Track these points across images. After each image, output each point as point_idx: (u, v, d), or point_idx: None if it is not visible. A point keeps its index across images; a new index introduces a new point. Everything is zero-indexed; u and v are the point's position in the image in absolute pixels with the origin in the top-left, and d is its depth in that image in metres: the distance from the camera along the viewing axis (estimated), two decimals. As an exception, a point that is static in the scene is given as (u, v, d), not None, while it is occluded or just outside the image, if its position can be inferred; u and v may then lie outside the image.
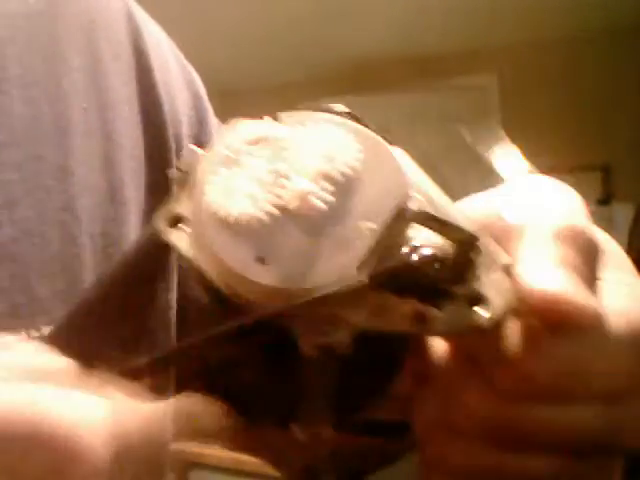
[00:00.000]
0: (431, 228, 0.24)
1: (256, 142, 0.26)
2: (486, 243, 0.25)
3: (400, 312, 0.23)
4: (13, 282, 0.34)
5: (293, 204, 0.24)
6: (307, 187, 0.24)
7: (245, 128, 0.26)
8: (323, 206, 0.24)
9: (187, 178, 0.26)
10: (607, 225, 3.68)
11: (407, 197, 0.24)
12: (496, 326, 0.24)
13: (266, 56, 3.36)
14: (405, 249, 0.23)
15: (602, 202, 3.60)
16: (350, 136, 0.26)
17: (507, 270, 0.25)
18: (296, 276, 0.23)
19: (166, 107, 0.45)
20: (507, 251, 0.26)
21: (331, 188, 0.24)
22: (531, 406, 0.24)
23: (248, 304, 0.23)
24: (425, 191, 0.25)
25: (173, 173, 0.26)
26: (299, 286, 0.23)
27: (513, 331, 0.25)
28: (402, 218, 0.24)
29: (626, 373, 0.25)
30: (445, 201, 0.26)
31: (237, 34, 3.10)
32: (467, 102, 3.56)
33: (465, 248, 0.23)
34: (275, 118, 0.26)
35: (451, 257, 0.23)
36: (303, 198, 0.24)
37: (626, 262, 0.28)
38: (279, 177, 0.25)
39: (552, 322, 0.24)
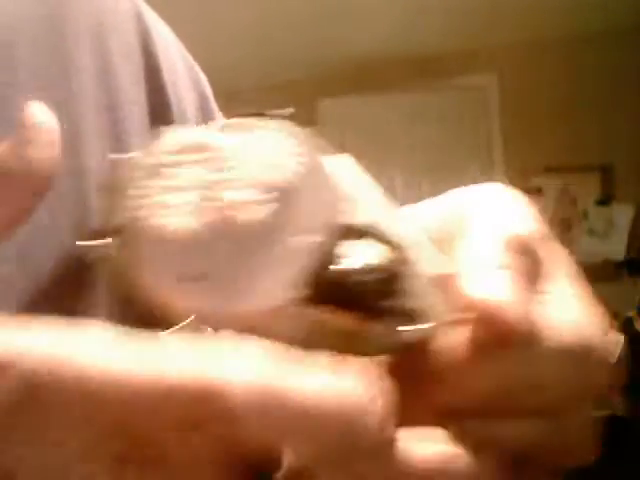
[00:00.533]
0: (365, 239, 0.24)
1: (188, 150, 0.24)
2: (422, 253, 0.24)
3: (334, 329, 0.23)
4: (28, 282, 0.34)
5: (230, 214, 0.23)
6: (245, 197, 0.23)
7: (177, 136, 0.25)
8: (262, 216, 0.23)
9: (115, 190, 0.25)
10: (607, 225, 3.69)
11: (344, 209, 0.24)
12: (427, 341, 0.24)
13: (266, 56, 3.37)
14: (336, 263, 0.23)
15: (602, 202, 3.60)
16: (290, 143, 0.24)
17: (441, 281, 0.25)
18: (235, 293, 0.22)
19: (174, 108, 0.45)
20: (450, 256, 0.25)
21: (270, 198, 0.23)
22: (467, 421, 0.24)
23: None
24: (363, 201, 0.25)
25: (102, 186, 0.25)
26: (238, 304, 0.22)
27: (445, 345, 0.24)
28: (339, 230, 0.23)
29: (566, 386, 0.25)
30: (385, 211, 0.26)
31: (237, 34, 3.10)
32: (467, 102, 3.56)
33: (396, 261, 0.23)
34: (209, 126, 0.25)
35: (380, 270, 0.23)
36: (241, 208, 0.23)
37: (576, 273, 0.28)
38: (215, 187, 0.23)
39: (487, 332, 0.23)
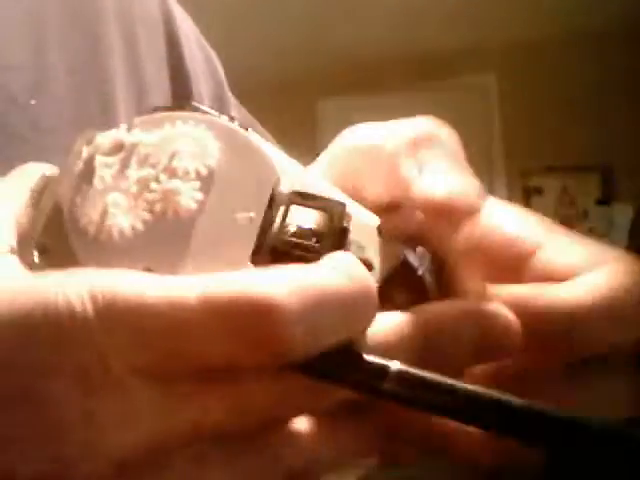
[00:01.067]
0: (303, 205, 0.24)
1: (112, 151, 0.25)
2: (355, 207, 0.26)
3: None
4: None
5: (161, 206, 0.23)
6: (172, 187, 0.24)
7: (99, 138, 0.25)
8: (192, 204, 0.23)
9: (44, 201, 0.25)
10: (607, 225, 3.69)
11: (277, 181, 0.25)
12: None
13: (266, 56, 3.37)
14: (283, 230, 0.24)
15: (602, 202, 3.60)
16: (208, 132, 0.25)
17: (379, 230, 0.26)
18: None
19: (194, 94, 0.46)
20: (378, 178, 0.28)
21: (197, 185, 0.24)
22: None
23: None
24: (289, 170, 0.26)
25: (31, 197, 0.25)
26: None
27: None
28: (276, 202, 0.24)
29: None
30: (308, 176, 0.27)
31: (237, 34, 3.10)
32: (467, 102, 3.56)
33: (338, 217, 0.24)
34: (129, 125, 0.25)
35: (327, 228, 0.24)
36: (170, 199, 0.23)
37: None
38: (144, 183, 0.24)
39: (451, 219, 0.26)
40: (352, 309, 0.21)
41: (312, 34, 3.25)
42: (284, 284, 0.21)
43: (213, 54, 0.51)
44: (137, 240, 0.23)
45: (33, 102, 0.36)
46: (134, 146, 0.25)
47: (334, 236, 0.24)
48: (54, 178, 0.25)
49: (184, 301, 0.20)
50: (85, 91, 0.39)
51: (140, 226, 0.23)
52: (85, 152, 0.25)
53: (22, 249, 0.24)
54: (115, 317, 0.20)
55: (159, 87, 0.44)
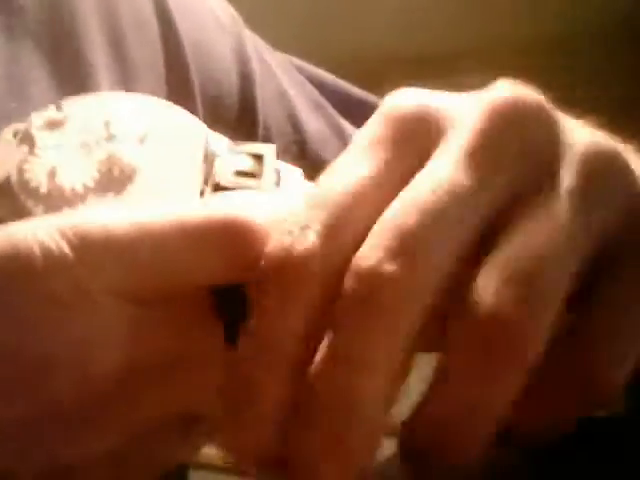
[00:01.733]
0: (237, 152, 0.27)
1: (49, 125, 0.26)
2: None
3: None
4: None
5: (106, 166, 0.26)
6: (115, 148, 0.26)
7: (31, 118, 0.27)
8: (135, 162, 0.26)
9: None
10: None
11: (208, 137, 0.27)
12: None
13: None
14: (224, 175, 0.26)
15: (602, 202, 3.59)
16: (136, 99, 0.28)
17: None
18: None
19: (192, 69, 0.45)
20: None
21: (137, 145, 0.26)
22: None
23: None
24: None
25: None
26: None
27: None
28: (211, 155, 0.27)
29: None
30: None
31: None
32: (467, 102, 3.55)
33: (270, 157, 0.26)
34: (56, 105, 0.27)
35: (262, 169, 0.26)
36: (114, 158, 0.26)
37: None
38: (86, 147, 0.26)
39: None
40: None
41: (312, 34, 3.25)
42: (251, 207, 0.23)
43: (247, 39, 0.49)
44: (88, 194, 0.25)
45: (14, 105, 0.37)
46: (68, 119, 0.27)
47: (270, 174, 0.26)
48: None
49: (155, 223, 0.22)
50: (67, 90, 0.39)
51: (90, 183, 0.25)
52: (18, 132, 0.27)
53: None
54: (89, 246, 0.22)
55: (151, 71, 0.44)
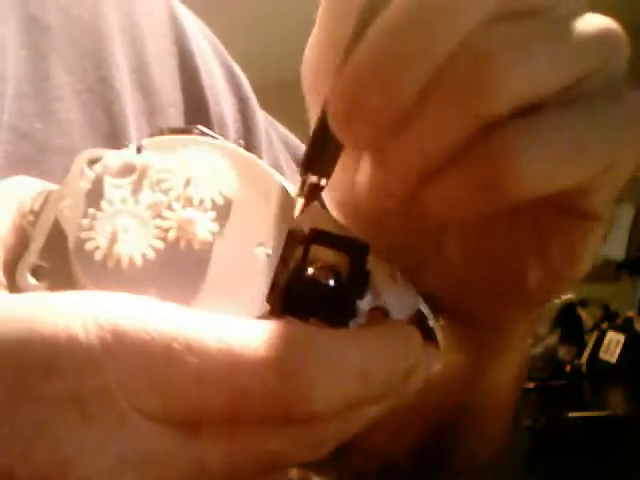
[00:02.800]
0: (324, 244, 0.23)
1: (121, 173, 0.23)
2: (378, 250, 0.24)
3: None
4: None
5: (174, 235, 0.22)
6: (188, 216, 0.22)
7: (107, 158, 0.24)
8: (208, 236, 0.22)
9: (42, 221, 0.23)
10: (607, 225, 3.67)
11: (295, 217, 0.23)
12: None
13: (266, 55, 3.37)
14: (301, 269, 0.22)
15: (602, 202, 3.59)
16: (224, 159, 0.24)
17: (394, 276, 0.24)
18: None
19: (212, 108, 0.45)
20: None
21: (213, 216, 0.23)
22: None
23: None
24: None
25: (26, 217, 0.23)
26: None
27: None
28: (294, 238, 0.23)
29: None
30: (325, 212, 0.26)
31: (235, 33, 3.10)
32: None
33: (359, 259, 0.23)
34: (138, 146, 0.24)
35: (347, 270, 0.22)
36: (185, 228, 0.22)
37: None
38: (156, 209, 0.22)
39: None
40: None
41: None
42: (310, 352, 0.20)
43: (237, 69, 0.50)
44: (147, 269, 0.22)
45: (39, 126, 0.36)
46: (145, 169, 0.23)
47: (355, 281, 0.22)
48: (52, 195, 0.24)
49: (205, 347, 0.19)
50: (93, 111, 0.39)
51: (151, 254, 0.22)
52: (92, 172, 0.23)
53: (9, 270, 0.22)
54: (124, 353, 0.19)
55: (172, 104, 0.43)
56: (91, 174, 0.23)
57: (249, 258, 0.22)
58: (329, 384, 0.20)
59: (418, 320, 0.24)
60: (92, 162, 0.24)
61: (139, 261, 0.22)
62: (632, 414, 1.48)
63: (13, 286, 0.22)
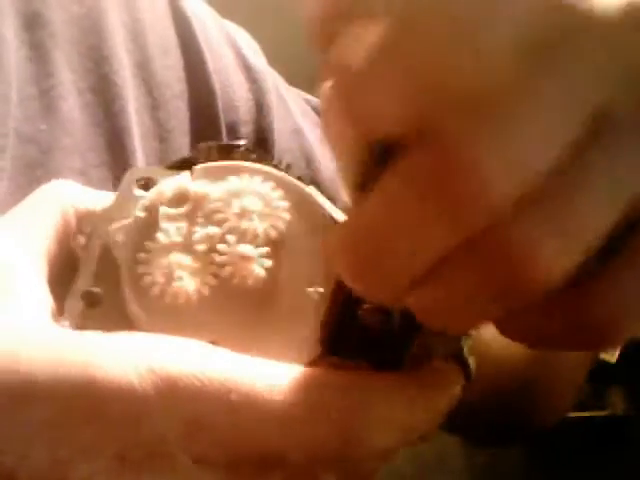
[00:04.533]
0: None
1: (176, 202, 0.23)
2: None
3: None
4: None
5: (229, 271, 0.22)
6: (242, 251, 0.22)
7: (162, 184, 0.23)
8: (262, 272, 0.22)
9: (92, 244, 0.22)
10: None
11: None
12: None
13: (266, 56, 3.37)
14: (351, 310, 0.22)
15: (602, 202, 3.59)
16: (277, 191, 0.23)
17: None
18: (253, 354, 0.21)
19: (219, 94, 0.45)
20: None
21: (267, 251, 0.22)
22: None
23: None
24: None
25: (75, 238, 0.22)
26: None
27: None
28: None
29: None
30: None
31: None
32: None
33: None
34: (192, 172, 0.23)
35: (398, 312, 0.22)
36: (239, 264, 0.22)
37: None
38: (210, 242, 0.22)
39: None
40: None
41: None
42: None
43: (247, 51, 0.49)
44: (202, 307, 0.21)
45: (43, 127, 0.36)
46: (199, 198, 0.23)
47: (406, 324, 0.22)
48: (101, 215, 0.23)
49: (259, 395, 0.19)
50: (96, 110, 0.39)
51: (206, 291, 0.22)
52: (142, 193, 0.23)
53: (58, 294, 0.22)
54: (177, 400, 0.19)
55: (177, 97, 0.43)
56: (143, 198, 0.23)
57: (302, 297, 0.22)
58: (375, 438, 0.20)
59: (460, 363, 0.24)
60: (140, 182, 0.23)
61: (195, 298, 0.21)
62: (632, 414, 1.48)
63: (60, 309, 0.22)
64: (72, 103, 0.38)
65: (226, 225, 0.22)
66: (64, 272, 0.22)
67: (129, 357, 0.19)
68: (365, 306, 0.22)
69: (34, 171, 0.35)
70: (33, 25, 0.38)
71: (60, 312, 0.22)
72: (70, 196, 0.24)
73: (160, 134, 0.41)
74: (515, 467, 1.37)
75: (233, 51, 0.48)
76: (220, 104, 0.44)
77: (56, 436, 0.19)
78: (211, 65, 0.45)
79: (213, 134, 0.43)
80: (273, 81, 0.49)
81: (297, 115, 0.49)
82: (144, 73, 0.42)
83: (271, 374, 0.20)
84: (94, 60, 0.40)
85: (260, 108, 0.46)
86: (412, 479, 1.31)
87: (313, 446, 0.19)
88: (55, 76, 0.38)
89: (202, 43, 0.45)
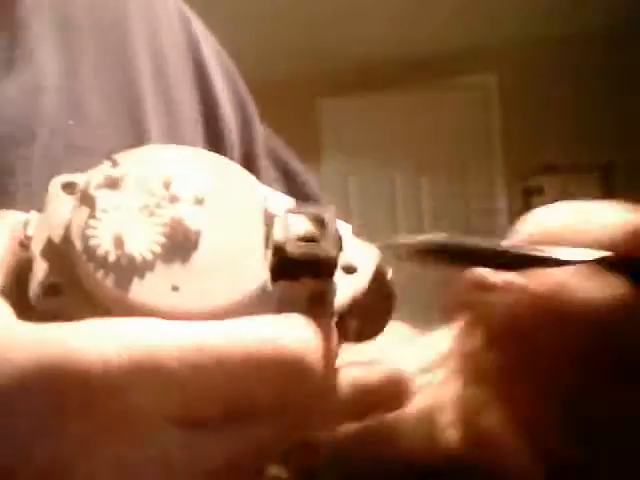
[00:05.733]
0: (298, 213, 0.26)
1: (106, 185, 0.25)
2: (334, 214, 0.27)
3: (303, 296, 0.25)
4: None
5: (170, 230, 0.25)
6: (177, 212, 0.25)
7: (89, 175, 0.26)
8: (198, 226, 0.25)
9: (37, 242, 0.25)
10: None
11: (266, 200, 0.26)
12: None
13: (266, 56, 3.37)
14: (283, 240, 0.25)
15: (602, 202, 3.59)
16: (194, 156, 0.27)
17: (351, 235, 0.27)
18: (210, 294, 0.24)
19: (222, 124, 0.46)
20: None
21: (198, 208, 0.25)
22: None
23: None
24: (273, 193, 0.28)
25: (22, 243, 0.25)
26: (212, 305, 0.24)
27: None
28: (269, 218, 0.26)
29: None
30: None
31: (236, 33, 3.10)
32: (467, 102, 3.56)
33: (331, 221, 0.26)
34: (112, 161, 0.26)
35: (325, 231, 0.25)
36: (177, 222, 0.25)
37: None
38: (148, 210, 0.25)
39: None
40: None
41: (313, 34, 3.26)
42: (310, 343, 0.22)
43: (241, 82, 0.51)
44: (156, 262, 0.24)
45: (71, 122, 0.37)
46: (126, 178, 0.25)
47: (332, 239, 0.25)
48: (41, 218, 0.26)
49: (224, 355, 0.21)
50: (118, 115, 0.40)
51: (157, 248, 0.24)
52: (78, 189, 0.26)
53: (13, 295, 0.24)
54: (148, 369, 0.21)
55: (188, 103, 0.45)
56: (78, 191, 0.25)
57: (239, 237, 0.25)
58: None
59: (378, 273, 0.27)
60: (66, 187, 0.26)
61: (149, 256, 0.24)
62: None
63: (23, 309, 0.23)
64: (97, 107, 0.39)
65: (157, 193, 0.25)
66: (21, 278, 0.24)
67: (107, 342, 0.21)
68: (294, 235, 0.25)
69: (59, 169, 0.36)
70: (65, 26, 0.40)
71: (21, 313, 0.23)
72: (15, 216, 0.26)
73: (174, 139, 0.42)
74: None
75: (229, 84, 0.49)
76: (227, 144, 0.47)
77: (51, 427, 0.20)
78: (215, 82, 0.47)
79: (226, 153, 0.46)
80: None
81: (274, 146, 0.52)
82: (161, 82, 0.43)
83: (236, 328, 0.22)
84: (118, 64, 0.41)
85: (249, 139, 0.49)
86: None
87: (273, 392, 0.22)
88: (81, 79, 0.39)
89: (211, 74, 0.47)
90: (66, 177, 0.26)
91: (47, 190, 0.26)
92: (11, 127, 0.35)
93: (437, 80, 3.53)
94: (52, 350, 0.21)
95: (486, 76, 3.57)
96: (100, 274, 0.24)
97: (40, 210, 0.26)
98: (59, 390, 0.20)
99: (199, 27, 0.49)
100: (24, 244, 0.25)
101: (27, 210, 0.26)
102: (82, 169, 0.35)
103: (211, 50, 0.49)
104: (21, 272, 0.25)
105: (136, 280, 0.24)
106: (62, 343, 0.21)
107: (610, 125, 3.31)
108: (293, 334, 0.22)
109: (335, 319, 0.26)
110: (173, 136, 0.42)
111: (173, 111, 0.43)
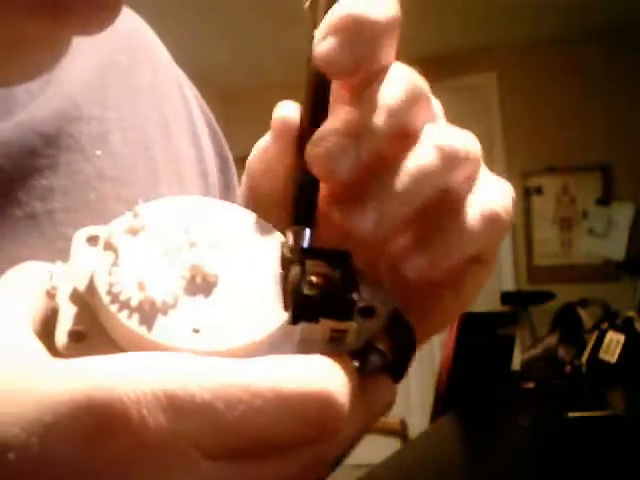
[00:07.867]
0: (315, 258, 0.27)
1: (129, 234, 0.27)
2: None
3: (322, 337, 0.26)
4: None
5: (190, 275, 0.26)
6: (195, 257, 0.26)
7: (111, 225, 0.27)
8: (215, 270, 0.26)
9: (59, 294, 0.26)
10: (607, 225, 3.69)
11: (282, 244, 0.27)
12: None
13: (266, 56, 3.37)
14: (302, 282, 0.26)
15: (602, 202, 3.60)
16: (206, 203, 0.28)
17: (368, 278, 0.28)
18: (231, 335, 0.25)
19: (205, 153, 0.48)
20: None
21: (215, 253, 0.27)
22: None
23: None
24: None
25: (49, 294, 0.26)
26: (233, 345, 0.25)
27: None
28: (287, 260, 0.27)
29: None
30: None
31: (236, 33, 3.10)
32: (467, 102, 3.56)
33: (347, 264, 0.27)
34: (134, 212, 0.27)
35: (339, 274, 0.26)
36: (195, 267, 0.26)
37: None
38: (168, 256, 0.26)
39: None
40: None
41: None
42: (338, 380, 0.23)
43: (217, 127, 0.53)
44: (179, 304, 0.25)
45: (98, 153, 0.39)
46: (148, 227, 0.27)
47: (347, 279, 0.26)
48: (62, 273, 0.27)
49: (257, 390, 0.22)
50: (134, 150, 0.42)
51: (179, 292, 0.25)
52: (101, 238, 0.27)
53: (45, 344, 0.24)
54: (184, 410, 0.21)
55: (189, 160, 0.47)
56: (101, 241, 0.26)
57: (257, 280, 0.26)
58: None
59: (395, 315, 0.28)
60: (90, 240, 0.27)
61: (170, 300, 0.25)
62: (632, 414, 1.48)
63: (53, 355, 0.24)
64: (118, 137, 0.41)
65: (179, 240, 0.26)
66: (48, 327, 0.25)
67: (137, 386, 0.21)
68: (311, 277, 0.26)
69: (88, 195, 0.38)
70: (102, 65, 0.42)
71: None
72: (42, 269, 0.27)
73: (180, 186, 0.44)
74: (515, 467, 1.38)
75: (209, 128, 0.51)
76: (210, 170, 0.48)
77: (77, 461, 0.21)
78: (203, 139, 0.49)
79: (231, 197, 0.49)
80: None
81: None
82: (165, 131, 0.45)
83: (254, 368, 0.23)
84: (134, 105, 0.43)
85: (228, 188, 0.51)
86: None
87: (298, 432, 0.23)
88: (107, 109, 0.41)
89: (197, 121, 0.49)
90: (90, 229, 0.27)
91: (71, 240, 0.27)
92: (38, 152, 0.36)
93: (437, 80, 3.53)
94: (86, 383, 0.21)
95: (486, 76, 3.57)
96: (123, 316, 0.24)
97: (64, 259, 0.27)
98: (92, 424, 0.21)
99: (187, 85, 0.51)
100: (50, 294, 0.26)
101: (50, 240, 0.27)
102: (108, 196, 0.37)
103: (185, 82, 0.51)
104: (48, 321, 0.25)
105: (158, 322, 0.25)
106: (88, 381, 0.21)
107: (610, 125, 3.32)
108: (327, 376, 0.23)
109: (355, 359, 0.26)
110: (180, 184, 0.44)
111: (178, 159, 0.45)
